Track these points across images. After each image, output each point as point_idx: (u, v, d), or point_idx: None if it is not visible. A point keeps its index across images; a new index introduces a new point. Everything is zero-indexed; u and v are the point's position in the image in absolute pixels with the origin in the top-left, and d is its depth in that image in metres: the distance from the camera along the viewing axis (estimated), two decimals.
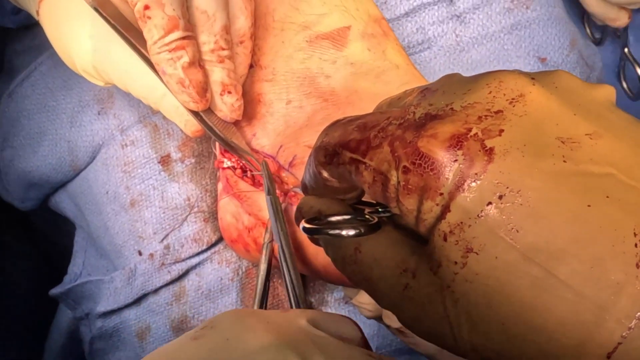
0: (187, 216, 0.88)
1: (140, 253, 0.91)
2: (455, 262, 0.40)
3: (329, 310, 0.87)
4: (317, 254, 0.70)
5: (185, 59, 0.68)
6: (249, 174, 0.80)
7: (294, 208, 0.71)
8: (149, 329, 0.92)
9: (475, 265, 0.39)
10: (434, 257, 0.42)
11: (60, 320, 1.11)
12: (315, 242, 0.55)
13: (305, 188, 0.56)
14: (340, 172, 0.47)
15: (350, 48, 0.77)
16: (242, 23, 0.74)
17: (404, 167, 0.42)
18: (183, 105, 0.71)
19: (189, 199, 0.89)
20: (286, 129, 0.76)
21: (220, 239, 0.89)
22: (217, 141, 0.75)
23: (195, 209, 0.88)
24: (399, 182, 0.42)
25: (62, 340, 1.10)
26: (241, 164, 0.80)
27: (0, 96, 1.00)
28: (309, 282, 0.89)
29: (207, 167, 0.89)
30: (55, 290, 1.04)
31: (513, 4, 0.89)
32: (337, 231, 0.47)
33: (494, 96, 0.42)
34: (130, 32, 0.70)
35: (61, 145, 0.94)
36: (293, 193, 0.73)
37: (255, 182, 0.79)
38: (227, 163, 0.81)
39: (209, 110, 0.74)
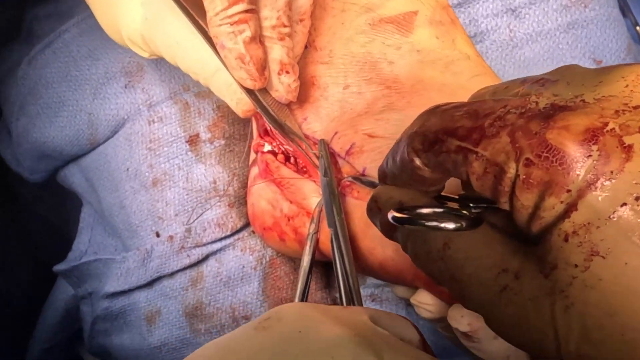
0: (211, 200, 0.83)
1: (157, 234, 0.85)
2: (576, 266, 0.37)
3: None
4: (374, 248, 0.65)
5: (247, 33, 0.63)
6: (292, 159, 0.75)
7: (348, 199, 0.66)
8: (159, 313, 0.87)
9: (599, 270, 0.36)
10: (548, 258, 0.38)
11: (56, 298, 1.04)
12: (389, 234, 0.50)
13: (383, 177, 0.51)
14: (439, 161, 0.44)
15: (417, 34, 0.71)
16: (304, 0, 0.69)
17: (527, 159, 0.38)
18: (239, 83, 0.66)
19: (215, 182, 0.83)
20: (342, 114, 0.70)
21: (245, 226, 0.83)
22: (269, 123, 0.69)
23: (221, 193, 0.83)
24: (517, 175, 0.39)
25: (56, 318, 1.04)
26: (283, 149, 0.75)
27: (19, 63, 0.93)
28: (332, 277, 0.85)
29: (236, 150, 0.84)
30: (59, 267, 0.97)
31: (571, 1, 0.85)
32: (434, 223, 0.44)
33: (631, 90, 0.38)
34: (188, 2, 0.65)
35: (81, 117, 0.88)
36: (348, 182, 0.69)
37: (299, 169, 0.74)
38: (267, 147, 0.76)
39: (264, 90, 0.68)
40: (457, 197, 0.49)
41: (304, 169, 0.73)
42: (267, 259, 0.83)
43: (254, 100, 0.68)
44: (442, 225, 0.44)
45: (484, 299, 0.42)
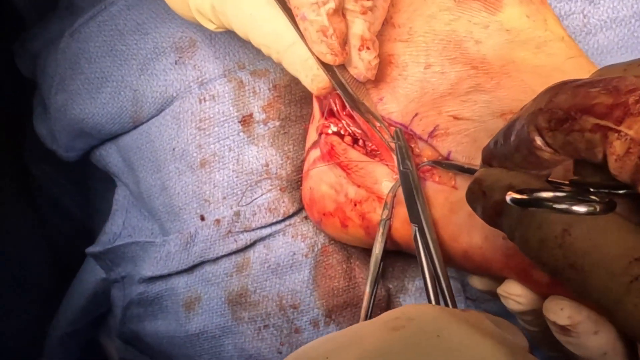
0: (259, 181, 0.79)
1: (202, 218, 0.81)
2: None
3: (409, 300, 0.79)
4: (459, 236, 0.61)
5: (331, 4, 0.58)
6: (360, 142, 0.71)
7: (428, 184, 0.62)
8: (199, 299, 0.82)
9: None
10: None
11: (83, 281, 0.99)
12: (492, 220, 0.47)
13: (489, 158, 0.48)
14: (568, 140, 0.40)
15: (506, 13, 0.67)
16: None
17: None
18: (318, 57, 0.62)
19: (267, 165, 0.79)
20: (422, 95, 0.66)
21: (298, 211, 0.79)
22: (346, 101, 0.65)
23: (274, 176, 0.79)
24: None
25: (82, 302, 0.99)
26: (351, 131, 0.71)
27: (61, 35, 0.88)
28: (387, 266, 0.81)
29: (291, 133, 0.79)
30: (92, 249, 0.93)
31: None
32: (563, 206, 0.40)
33: None
34: None
35: (125, 94, 0.83)
36: (428, 167, 0.65)
37: (368, 152, 0.70)
38: (332, 128, 0.72)
39: (342, 67, 0.64)
40: (567, 182, 0.45)
41: (374, 152, 0.69)
42: (319, 247, 0.79)
43: (331, 77, 0.64)
44: (574, 208, 0.40)
45: (610, 290, 0.39)
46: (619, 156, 0.38)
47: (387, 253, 0.74)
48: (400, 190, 0.66)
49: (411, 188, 0.63)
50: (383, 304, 0.78)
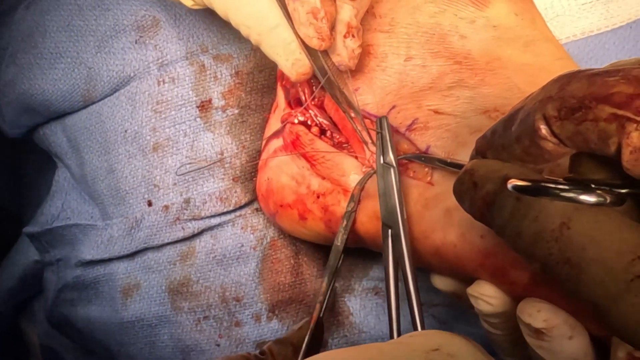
0: (209, 166, 0.76)
1: (150, 203, 0.77)
2: None
3: (354, 300, 0.77)
4: (432, 232, 0.58)
5: None
6: (328, 133, 0.68)
7: (403, 178, 0.60)
8: (138, 287, 0.78)
9: None
10: None
11: (14, 263, 0.94)
12: (480, 214, 0.44)
13: (484, 149, 0.45)
14: (580, 130, 0.38)
15: (494, 9, 0.65)
16: None
17: None
18: (304, 41, 0.59)
19: (222, 153, 0.75)
20: (400, 88, 0.63)
21: (250, 202, 0.76)
22: (327, 89, 0.62)
23: (228, 165, 0.76)
24: None
25: (10, 283, 0.93)
26: (318, 122, 0.68)
27: (16, 7, 0.83)
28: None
29: (250, 122, 0.76)
30: (29, 229, 0.87)
31: None
32: (572, 194, 0.38)
33: None
34: None
35: (79, 71, 0.78)
36: (405, 161, 0.62)
37: (335, 144, 0.67)
38: (299, 118, 0.69)
39: (325, 53, 0.62)
40: (561, 179, 0.43)
41: (342, 144, 0.66)
42: (268, 240, 0.75)
43: (313, 63, 0.61)
44: (582, 197, 0.38)
45: (608, 288, 0.36)
46: (636, 148, 0.36)
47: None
48: (368, 184, 0.63)
49: (390, 184, 0.60)
50: (328, 302, 0.75)
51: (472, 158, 0.48)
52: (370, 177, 0.63)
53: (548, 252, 0.39)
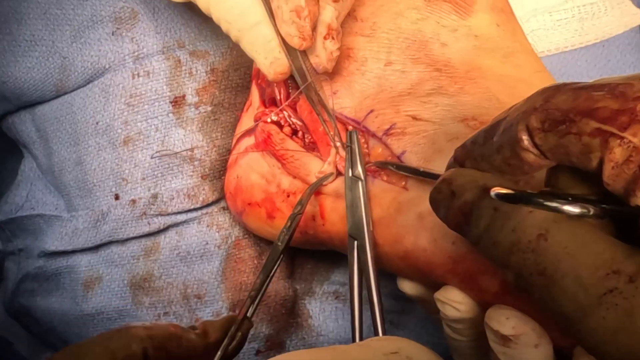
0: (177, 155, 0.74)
1: (117, 197, 0.75)
2: None
3: (314, 303, 0.76)
4: (403, 237, 0.56)
5: None
6: (299, 134, 0.67)
7: (377, 182, 0.59)
8: (99, 280, 0.76)
9: None
10: None
11: None
12: (455, 222, 0.44)
13: (463, 158, 0.45)
14: (562, 142, 0.37)
15: (476, 18, 0.64)
16: None
17: None
18: (284, 39, 0.58)
19: (192, 150, 0.74)
20: (379, 92, 0.62)
21: (217, 200, 0.75)
22: (303, 90, 0.62)
23: (197, 162, 0.74)
24: None
25: None
26: (291, 122, 0.67)
27: None
28: (296, 267, 0.77)
29: (221, 120, 0.74)
30: None
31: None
32: (555, 204, 0.37)
33: None
34: None
35: (53, 60, 0.76)
36: (374, 168, 0.61)
37: (306, 145, 0.66)
38: (272, 117, 0.68)
39: (303, 53, 0.61)
40: (536, 193, 0.43)
41: (312, 146, 0.65)
42: (233, 239, 0.74)
43: (292, 62, 0.60)
44: (565, 207, 0.38)
45: (580, 301, 0.36)
46: (617, 163, 0.35)
47: (299, 252, 0.71)
48: (339, 185, 0.62)
49: (358, 196, 0.59)
50: (289, 304, 0.74)
51: (449, 167, 0.47)
52: (321, 183, 0.63)
53: (523, 263, 0.38)
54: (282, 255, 0.61)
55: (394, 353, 0.42)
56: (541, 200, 0.38)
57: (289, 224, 0.62)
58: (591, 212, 0.38)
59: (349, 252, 0.60)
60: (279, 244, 0.61)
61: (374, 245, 0.59)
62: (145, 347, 0.47)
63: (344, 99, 0.63)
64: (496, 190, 0.39)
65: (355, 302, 0.59)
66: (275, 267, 0.61)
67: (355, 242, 0.59)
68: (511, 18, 0.66)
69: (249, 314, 0.57)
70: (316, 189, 0.63)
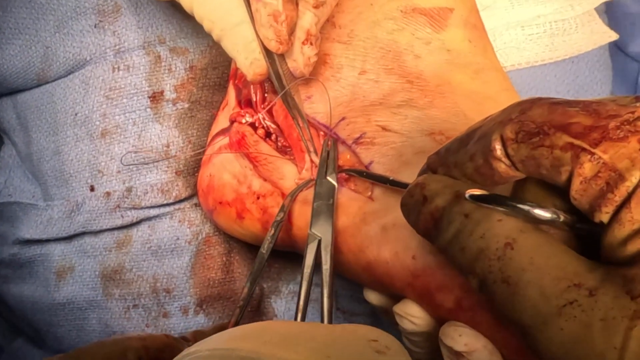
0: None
1: (92, 188, 0.75)
2: None
3: (280, 302, 0.76)
4: (366, 247, 0.56)
5: None
6: (273, 137, 0.67)
7: (344, 190, 0.59)
8: (71, 269, 0.76)
9: None
10: None
11: None
12: (425, 228, 0.44)
13: (436, 165, 0.45)
14: (534, 154, 0.38)
15: (449, 33, 0.64)
16: None
17: None
18: (263, 42, 0.58)
19: (168, 145, 0.74)
20: (352, 100, 0.62)
21: (189, 197, 0.74)
22: (279, 93, 0.61)
23: (171, 158, 0.74)
24: (638, 186, 0.33)
25: None
26: (265, 125, 0.67)
27: None
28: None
29: (198, 117, 0.74)
30: None
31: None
32: (527, 207, 0.38)
33: None
34: None
35: (36, 49, 0.76)
36: (347, 176, 0.61)
37: (279, 148, 0.66)
38: (247, 119, 0.68)
39: (282, 57, 0.60)
40: (509, 196, 0.43)
41: (285, 149, 0.65)
42: (204, 236, 0.74)
43: (270, 65, 0.60)
44: (536, 211, 0.38)
45: (540, 311, 0.36)
46: (586, 178, 0.35)
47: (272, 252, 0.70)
48: (307, 191, 0.62)
49: (328, 201, 0.59)
50: (255, 302, 0.74)
51: (421, 174, 0.47)
52: (302, 189, 0.62)
53: (488, 270, 0.39)
54: (265, 263, 0.62)
55: (374, 340, 0.43)
56: (513, 203, 0.39)
57: (272, 232, 0.62)
58: (561, 219, 0.38)
59: (307, 245, 0.59)
60: (264, 252, 0.62)
61: (338, 252, 0.59)
62: (140, 356, 0.48)
63: (317, 104, 0.63)
64: (471, 191, 0.40)
65: (302, 292, 0.58)
66: (259, 273, 0.61)
67: (318, 239, 0.59)
68: (483, 35, 0.66)
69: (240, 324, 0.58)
70: (296, 195, 0.63)
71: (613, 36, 0.84)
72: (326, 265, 0.57)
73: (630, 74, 0.93)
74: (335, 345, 0.41)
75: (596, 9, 0.84)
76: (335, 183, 0.60)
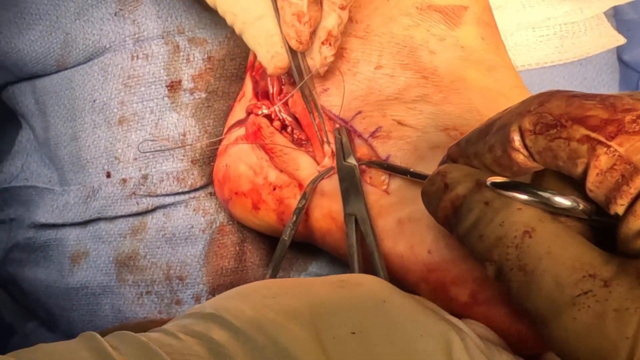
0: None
1: (109, 175, 0.75)
2: None
3: None
4: (380, 241, 0.56)
5: None
6: (289, 129, 0.67)
7: (362, 184, 0.59)
8: (86, 255, 0.76)
9: None
10: None
11: None
12: (444, 216, 0.44)
13: (457, 155, 0.45)
14: (551, 146, 0.38)
15: (463, 30, 0.63)
16: None
17: None
18: (285, 38, 0.58)
19: (184, 134, 0.74)
20: (368, 94, 0.62)
21: (205, 186, 0.74)
22: (300, 87, 0.61)
23: (189, 147, 0.74)
24: None
25: None
26: (281, 117, 0.67)
27: None
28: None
29: (215, 107, 0.74)
30: None
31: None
32: (547, 195, 0.39)
33: None
34: None
35: (56, 36, 0.76)
36: (365, 167, 0.61)
37: (294, 141, 0.66)
38: (264, 110, 0.67)
39: (302, 53, 0.61)
40: (530, 183, 0.43)
41: (301, 142, 0.65)
42: (217, 225, 0.74)
43: (292, 60, 0.60)
44: (556, 199, 0.39)
45: (554, 300, 0.37)
46: (602, 171, 0.36)
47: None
48: (323, 183, 0.61)
49: (353, 180, 0.59)
50: None
51: (442, 164, 0.47)
52: (323, 177, 0.62)
53: (506, 257, 0.39)
54: (286, 250, 0.62)
55: (344, 281, 0.45)
56: (534, 190, 0.39)
57: (294, 218, 0.62)
58: (580, 207, 0.38)
59: (346, 224, 0.59)
60: (286, 238, 0.62)
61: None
62: None
63: (334, 97, 0.63)
64: (492, 179, 0.41)
65: (356, 269, 0.58)
66: (281, 261, 0.62)
67: (354, 217, 0.58)
68: (496, 33, 0.66)
69: None
70: (318, 183, 0.63)
71: (621, 40, 0.85)
72: (369, 238, 0.57)
73: (630, 79, 0.94)
74: (306, 289, 0.43)
75: (605, 13, 0.85)
76: (355, 162, 0.60)
